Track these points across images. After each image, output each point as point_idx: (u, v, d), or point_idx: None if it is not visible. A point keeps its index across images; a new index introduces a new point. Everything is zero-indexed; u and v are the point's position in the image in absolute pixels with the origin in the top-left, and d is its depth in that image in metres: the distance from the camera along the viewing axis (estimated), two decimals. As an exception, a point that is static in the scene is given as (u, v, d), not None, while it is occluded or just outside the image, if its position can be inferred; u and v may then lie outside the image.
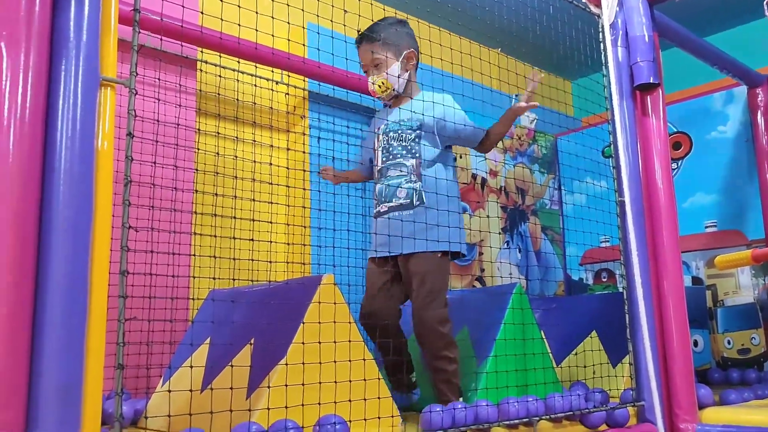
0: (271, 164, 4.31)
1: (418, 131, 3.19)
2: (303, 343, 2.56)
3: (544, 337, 3.57)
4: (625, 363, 3.81)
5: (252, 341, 2.82)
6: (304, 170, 4.46)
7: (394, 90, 3.27)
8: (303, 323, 2.62)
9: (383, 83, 3.24)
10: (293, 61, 4.24)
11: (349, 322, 2.71)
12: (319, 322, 2.59)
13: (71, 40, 1.76)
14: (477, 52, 3.29)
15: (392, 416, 2.69)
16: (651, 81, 3.45)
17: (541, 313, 4.45)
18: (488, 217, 5.28)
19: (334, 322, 2.62)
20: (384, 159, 3.26)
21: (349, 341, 2.62)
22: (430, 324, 3.03)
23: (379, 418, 2.52)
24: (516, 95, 6.09)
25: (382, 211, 3.20)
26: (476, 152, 3.84)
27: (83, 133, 1.74)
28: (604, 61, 3.54)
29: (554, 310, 4.55)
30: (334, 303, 2.69)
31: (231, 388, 2.33)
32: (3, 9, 1.70)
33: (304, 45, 3.85)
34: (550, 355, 3.57)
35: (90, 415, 1.67)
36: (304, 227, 4.50)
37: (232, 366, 2.60)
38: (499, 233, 5.44)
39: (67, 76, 1.75)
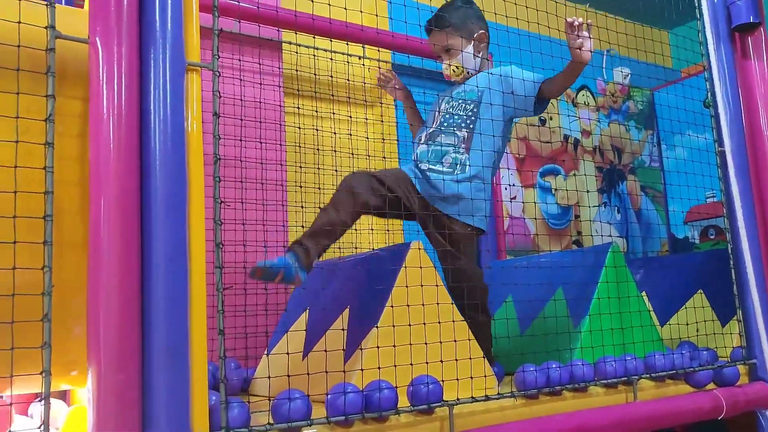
0: (367, 138, 4.41)
1: (477, 103, 3.16)
2: (392, 306, 2.62)
3: (645, 295, 3.47)
4: (734, 321, 3.64)
5: (348, 309, 2.93)
6: (392, 140, 4.51)
7: (468, 73, 3.27)
8: (394, 288, 2.68)
9: (458, 67, 3.26)
10: (381, 35, 4.28)
11: (437, 285, 2.75)
12: (407, 286, 2.64)
13: (157, 29, 1.88)
14: (563, 11, 3.20)
15: (485, 376, 2.71)
16: (751, 20, 3.23)
17: (642, 273, 4.31)
18: (585, 175, 5.15)
19: (422, 285, 2.67)
20: (439, 124, 3.25)
21: (437, 303, 2.66)
22: None
23: (471, 378, 2.55)
24: (608, 50, 5.82)
25: (423, 168, 3.14)
26: (566, 112, 3.75)
27: (174, 116, 1.86)
28: (697, 4, 3.35)
29: (658, 269, 4.40)
30: (420, 267, 2.74)
31: (326, 351, 2.44)
32: (96, 6, 1.84)
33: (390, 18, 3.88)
34: (651, 313, 3.47)
35: (197, 376, 1.81)
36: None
37: (338, 330, 2.71)
38: (594, 193, 5.29)
39: (156, 63, 1.87)
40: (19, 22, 1.83)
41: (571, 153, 5.30)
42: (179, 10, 1.92)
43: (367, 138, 3.64)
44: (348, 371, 2.49)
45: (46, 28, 1.81)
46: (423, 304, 2.62)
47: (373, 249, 3.17)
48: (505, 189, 4.90)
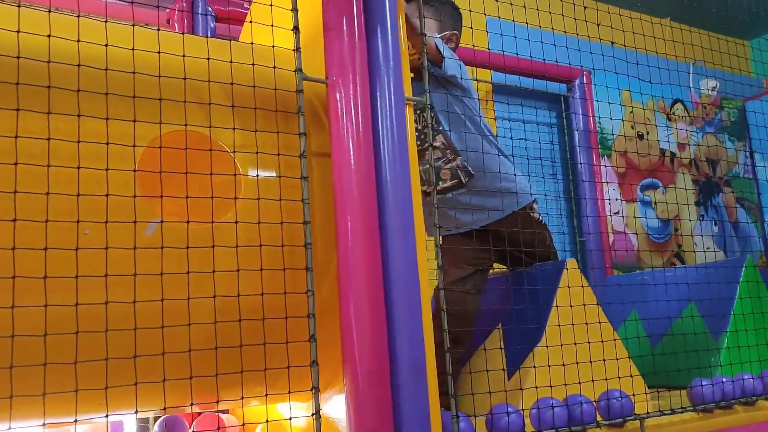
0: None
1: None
2: (559, 325, 2.72)
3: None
4: None
5: (500, 326, 3.03)
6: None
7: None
8: (556, 306, 2.78)
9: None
10: (479, 55, 4.40)
11: (597, 304, 2.84)
12: (571, 306, 2.74)
13: (382, 68, 2.02)
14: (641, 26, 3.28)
15: (645, 393, 2.79)
16: None
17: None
18: (684, 189, 5.19)
19: (584, 305, 2.76)
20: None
21: (599, 323, 2.75)
22: None
23: (633, 395, 2.62)
24: (694, 62, 5.85)
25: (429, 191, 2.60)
26: (664, 124, 3.81)
27: (400, 145, 2.00)
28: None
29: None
30: (575, 286, 2.83)
31: (487, 370, 2.53)
32: (332, 50, 1.99)
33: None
34: (786, 327, 3.50)
35: (432, 392, 1.93)
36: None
37: (494, 350, 2.81)
38: (693, 206, 5.33)
39: (382, 98, 2.01)
40: (249, 64, 1.99)
41: (668, 166, 5.35)
42: (398, 52, 2.06)
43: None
44: (511, 390, 2.57)
45: (294, 71, 1.96)
46: (584, 323, 2.70)
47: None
48: (609, 203, 4.97)
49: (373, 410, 1.81)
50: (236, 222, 1.90)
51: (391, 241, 1.94)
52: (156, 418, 3.19)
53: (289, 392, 1.82)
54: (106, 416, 1.70)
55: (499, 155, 3.05)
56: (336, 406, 1.96)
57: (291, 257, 1.95)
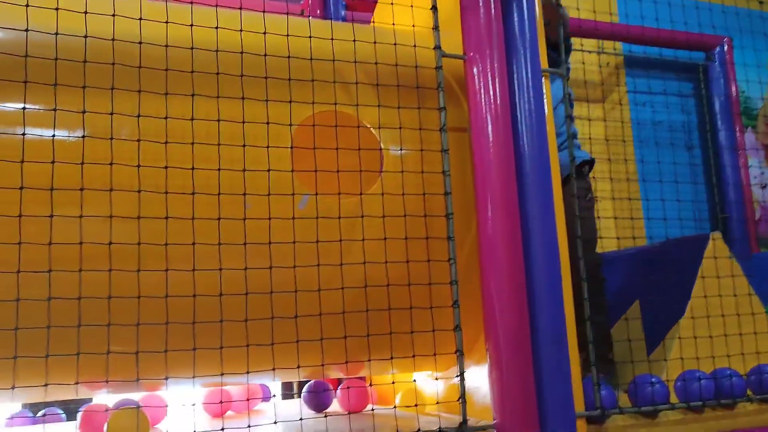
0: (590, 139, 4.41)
1: None
2: (705, 296, 2.63)
3: None
4: None
5: (637, 300, 2.98)
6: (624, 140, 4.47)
7: None
8: (702, 278, 2.69)
9: None
10: (606, 26, 4.26)
11: (744, 276, 2.73)
12: (718, 276, 2.64)
13: (518, 42, 2.05)
14: None
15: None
16: None
17: None
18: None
19: (732, 276, 2.66)
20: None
21: (749, 294, 2.64)
22: None
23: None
24: None
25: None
26: None
27: (538, 116, 2.03)
28: None
29: None
30: (729, 257, 2.73)
31: (629, 340, 2.50)
32: (469, 27, 2.05)
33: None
34: None
35: (573, 360, 1.96)
36: (630, 199, 4.50)
37: (634, 320, 2.77)
38: None
39: (519, 71, 2.04)
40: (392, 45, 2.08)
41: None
42: (534, 25, 2.09)
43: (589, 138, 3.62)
44: (654, 361, 2.53)
45: (434, 48, 2.04)
46: (731, 295, 2.61)
47: (651, 240, 3.19)
48: (755, 177, 4.68)
49: (516, 376, 1.86)
50: (382, 194, 2.01)
51: (530, 211, 1.98)
52: (300, 383, 3.43)
53: (435, 354, 1.92)
54: (273, 370, 1.85)
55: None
56: (471, 374, 2.02)
57: (423, 229, 2.03)
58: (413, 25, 2.20)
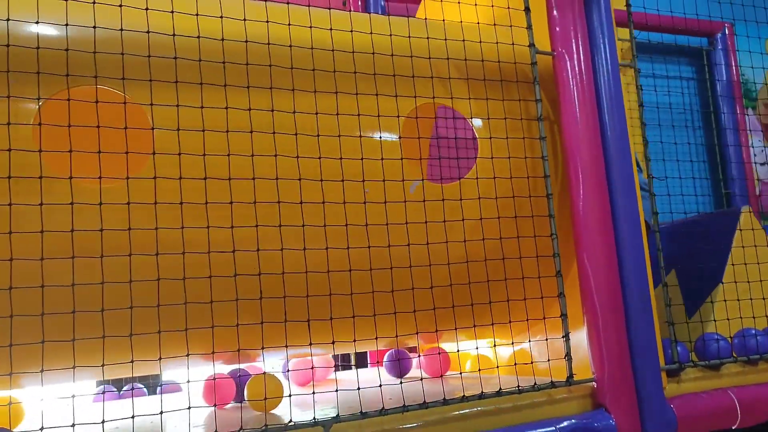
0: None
1: None
2: (733, 264, 2.93)
3: None
4: None
5: (673, 269, 3.28)
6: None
7: None
8: (742, 247, 2.99)
9: None
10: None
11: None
12: (755, 246, 2.94)
13: (598, 39, 2.29)
14: None
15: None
16: None
17: None
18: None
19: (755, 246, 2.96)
20: None
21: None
22: None
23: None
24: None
25: None
26: None
27: (618, 105, 2.28)
28: None
29: None
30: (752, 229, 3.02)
31: (669, 305, 2.78)
32: (557, 28, 2.28)
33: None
34: None
35: (655, 318, 2.24)
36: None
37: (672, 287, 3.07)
38: None
39: (600, 65, 2.29)
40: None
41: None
42: (611, 22, 2.33)
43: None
44: (695, 322, 2.83)
45: (529, 46, 2.27)
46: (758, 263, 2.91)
47: (686, 215, 3.49)
48: (754, 155, 5.03)
49: (612, 336, 2.13)
50: (476, 178, 2.25)
51: (615, 189, 2.23)
52: (356, 354, 3.66)
53: (544, 318, 2.17)
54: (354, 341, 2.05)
55: None
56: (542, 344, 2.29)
57: (518, 208, 2.28)
58: (477, 22, 2.41)
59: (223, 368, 2.58)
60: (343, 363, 3.74)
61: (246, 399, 2.20)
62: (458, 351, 2.23)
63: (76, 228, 1.68)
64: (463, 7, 2.49)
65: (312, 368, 2.53)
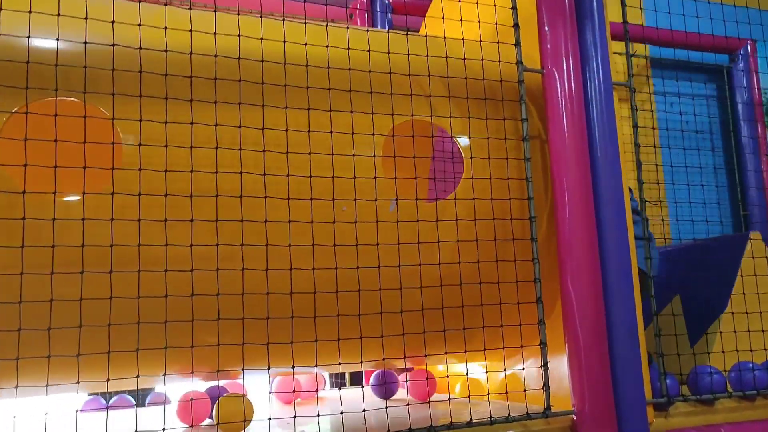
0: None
1: None
2: (743, 293, 2.80)
3: None
4: None
5: (678, 295, 3.16)
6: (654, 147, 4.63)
7: None
8: (741, 276, 2.86)
9: None
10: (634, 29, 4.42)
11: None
12: (755, 275, 2.81)
13: (591, 56, 2.21)
14: None
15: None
16: None
17: None
18: None
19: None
20: None
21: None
22: None
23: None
24: None
25: None
26: None
27: (609, 126, 2.19)
28: None
29: None
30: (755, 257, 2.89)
31: (675, 334, 2.67)
32: (547, 45, 2.21)
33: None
34: None
35: (643, 350, 2.13)
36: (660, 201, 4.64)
37: (672, 316, 2.95)
38: None
39: (591, 83, 2.20)
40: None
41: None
42: (605, 40, 2.24)
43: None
44: (699, 353, 2.71)
45: (516, 63, 2.20)
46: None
47: (694, 239, 3.36)
48: (775, 176, 4.86)
49: (595, 366, 2.03)
50: (455, 199, 2.17)
51: (604, 212, 2.14)
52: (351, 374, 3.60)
53: (522, 346, 2.09)
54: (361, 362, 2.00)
55: None
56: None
57: (493, 231, 2.19)
58: (466, 39, 2.35)
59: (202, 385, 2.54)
60: (338, 381, 3.68)
61: (214, 420, 2.15)
62: (427, 378, 2.15)
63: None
64: (465, 23, 2.43)
65: (293, 391, 2.49)
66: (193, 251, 1.80)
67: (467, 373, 2.22)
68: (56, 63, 1.73)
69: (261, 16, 2.03)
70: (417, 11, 3.86)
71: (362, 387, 2.66)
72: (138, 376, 1.83)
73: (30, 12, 1.72)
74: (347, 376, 3.68)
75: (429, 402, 2.37)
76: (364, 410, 1.99)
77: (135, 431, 1.73)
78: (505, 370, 2.18)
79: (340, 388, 3.43)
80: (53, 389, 1.89)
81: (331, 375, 3.71)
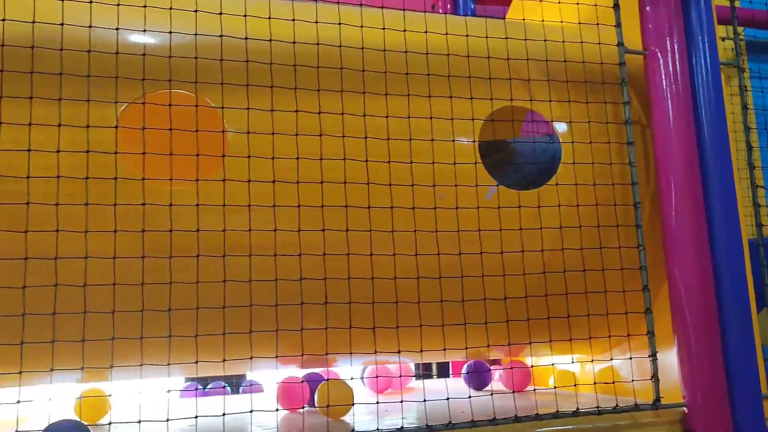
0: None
1: None
2: None
3: None
4: None
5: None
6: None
7: None
8: None
9: None
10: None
11: None
12: None
13: (697, 36, 2.12)
14: None
15: None
16: None
17: None
18: None
19: None
20: None
21: None
22: None
23: None
24: None
25: None
26: None
27: (718, 110, 2.10)
28: None
29: None
30: None
31: None
32: (650, 25, 2.13)
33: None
34: None
35: (757, 340, 2.03)
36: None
37: None
38: None
39: (698, 64, 2.11)
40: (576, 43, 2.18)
41: None
42: (711, 18, 2.15)
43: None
44: None
45: (617, 45, 2.14)
46: None
47: None
48: None
49: (705, 357, 1.95)
50: (574, 184, 2.13)
51: (713, 199, 2.05)
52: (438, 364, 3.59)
53: (628, 335, 2.03)
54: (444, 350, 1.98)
55: None
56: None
57: (596, 218, 2.14)
58: (565, 21, 2.29)
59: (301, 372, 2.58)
60: (425, 372, 3.68)
61: (316, 405, 2.18)
62: (531, 366, 2.12)
63: (147, 228, 1.72)
64: (555, 7, 2.38)
65: (376, 377, 2.50)
66: (300, 237, 1.83)
67: (552, 363, 2.15)
68: (170, 55, 1.80)
69: (361, 6, 2.04)
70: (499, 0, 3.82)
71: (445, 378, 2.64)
72: (252, 357, 1.84)
73: (145, 6, 1.79)
74: (433, 367, 3.67)
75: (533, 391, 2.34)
76: (447, 398, 1.93)
77: (250, 411, 1.77)
78: (611, 359, 2.12)
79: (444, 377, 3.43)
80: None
81: (416, 365, 3.72)
